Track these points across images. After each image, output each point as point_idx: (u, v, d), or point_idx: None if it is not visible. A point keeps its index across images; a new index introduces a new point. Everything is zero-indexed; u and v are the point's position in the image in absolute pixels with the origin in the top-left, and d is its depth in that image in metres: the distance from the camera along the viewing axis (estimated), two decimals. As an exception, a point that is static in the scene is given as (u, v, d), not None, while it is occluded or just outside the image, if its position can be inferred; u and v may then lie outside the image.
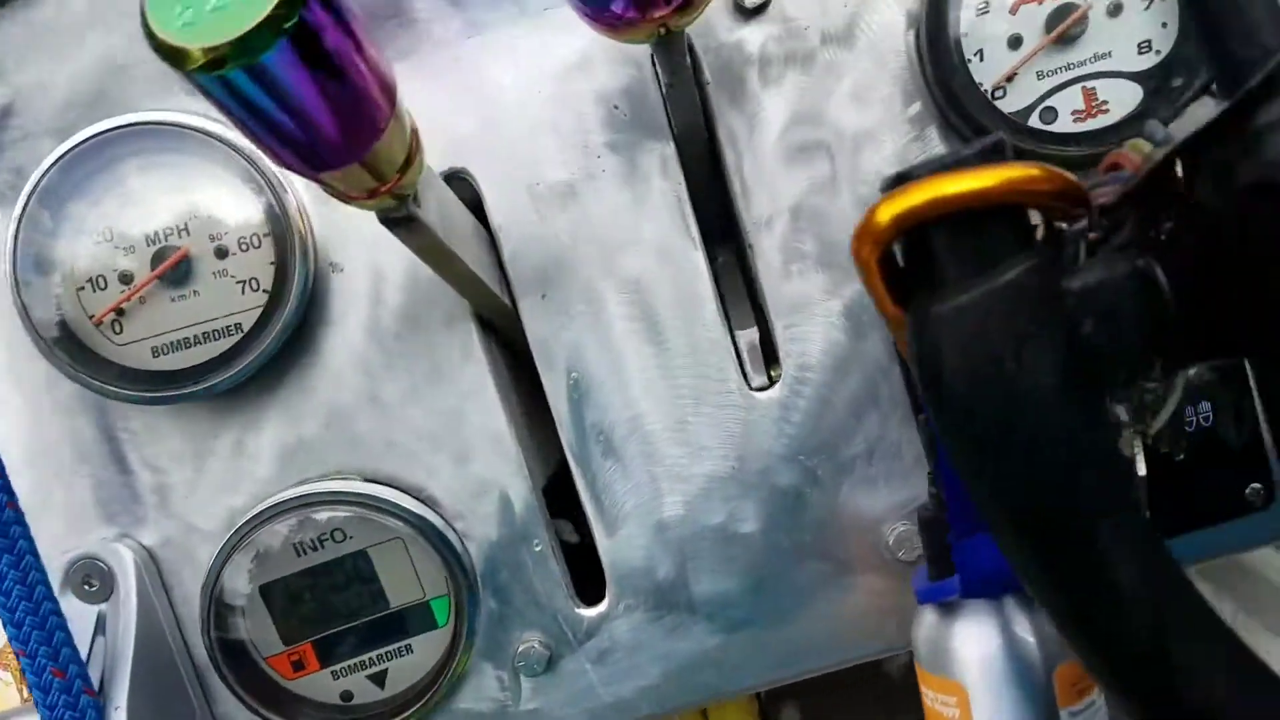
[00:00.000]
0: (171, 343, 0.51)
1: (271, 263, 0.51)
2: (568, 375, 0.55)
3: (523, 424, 0.57)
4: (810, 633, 0.57)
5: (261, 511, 0.54)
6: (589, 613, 0.57)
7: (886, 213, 0.31)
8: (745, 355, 0.55)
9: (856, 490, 0.56)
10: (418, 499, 0.55)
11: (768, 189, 0.54)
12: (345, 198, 0.38)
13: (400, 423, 0.55)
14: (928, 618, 0.48)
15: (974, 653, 0.46)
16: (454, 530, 0.56)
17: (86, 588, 0.54)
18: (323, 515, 0.54)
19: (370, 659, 0.56)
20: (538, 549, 0.56)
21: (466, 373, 0.55)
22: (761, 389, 0.55)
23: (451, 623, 0.56)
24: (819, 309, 0.55)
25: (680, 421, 0.56)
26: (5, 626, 0.48)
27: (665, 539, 0.56)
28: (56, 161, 0.48)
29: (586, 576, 0.58)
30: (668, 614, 0.57)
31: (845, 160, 0.53)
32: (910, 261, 0.33)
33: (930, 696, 0.48)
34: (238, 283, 0.51)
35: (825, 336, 0.55)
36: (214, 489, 0.55)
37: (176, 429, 0.55)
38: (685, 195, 0.54)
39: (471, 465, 0.56)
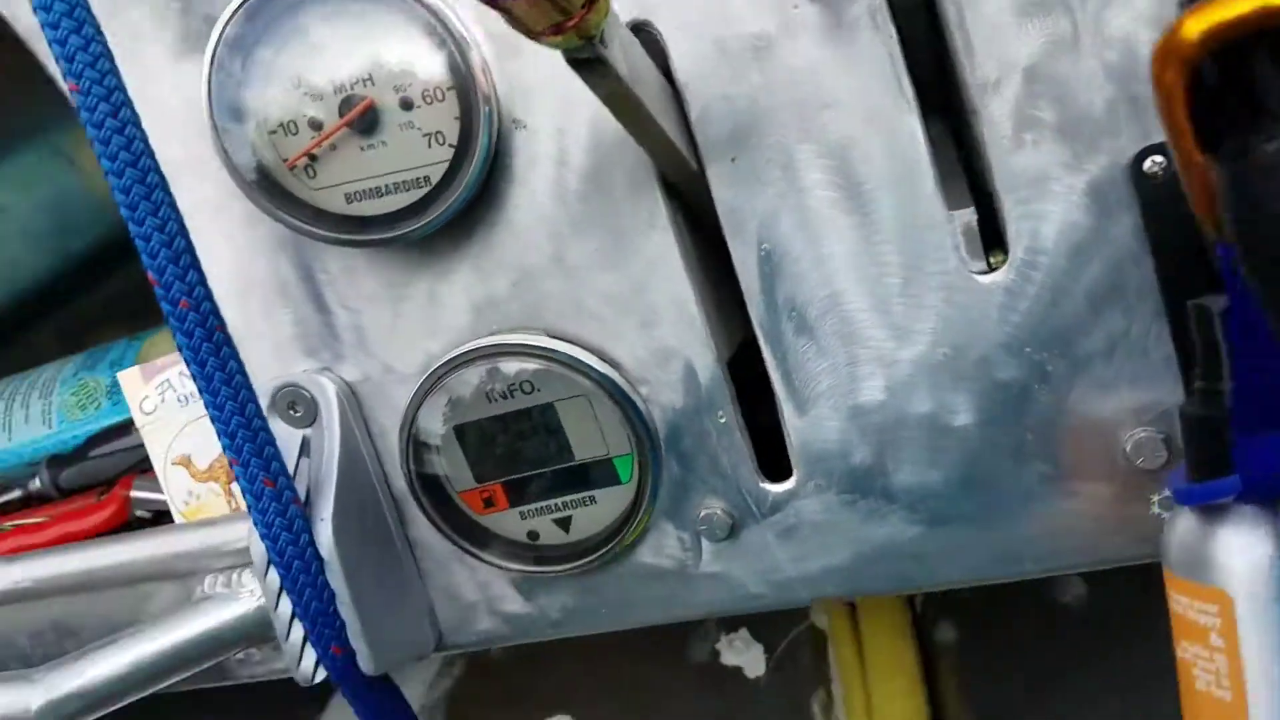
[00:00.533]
0: (363, 190, 0.51)
1: (456, 117, 0.48)
2: (759, 246, 0.51)
3: (709, 295, 0.54)
4: (1024, 535, 0.52)
5: (455, 357, 0.54)
6: (774, 488, 0.55)
7: (1197, 26, 0.26)
8: (962, 237, 0.48)
9: (1091, 391, 0.49)
10: (603, 360, 0.54)
11: (995, 46, 0.45)
12: (530, 33, 0.35)
13: (586, 286, 0.53)
14: (1186, 521, 0.44)
15: (1245, 560, 0.42)
16: (638, 393, 0.54)
17: (291, 412, 0.57)
18: (512, 367, 0.54)
19: (556, 504, 0.57)
20: (722, 420, 0.54)
21: (652, 240, 0.51)
22: (982, 274, 0.49)
23: (634, 480, 0.55)
24: (1057, 185, 0.46)
25: (884, 302, 0.50)
26: (220, 438, 0.52)
27: (863, 424, 0.52)
28: (240, 8, 0.47)
29: (770, 457, 0.56)
30: (861, 499, 0.54)
31: (1088, 16, 0.43)
32: (1224, 90, 0.28)
33: (1182, 604, 0.44)
34: (424, 135, 0.49)
35: (1063, 217, 0.47)
36: (410, 333, 0.56)
37: (372, 273, 0.55)
38: (897, 52, 0.46)
39: (656, 332, 0.53)
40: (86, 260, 0.91)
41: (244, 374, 0.52)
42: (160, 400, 0.65)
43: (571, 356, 0.53)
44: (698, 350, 0.53)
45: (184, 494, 0.66)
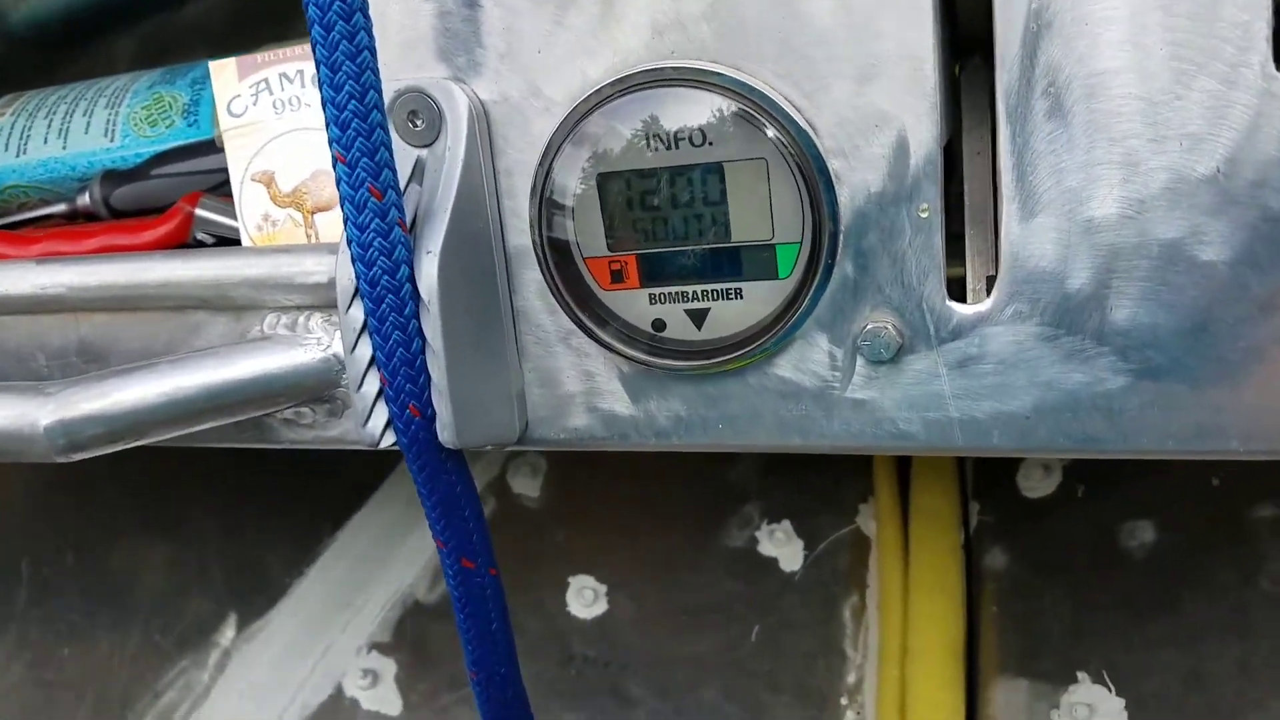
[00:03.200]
0: None
1: None
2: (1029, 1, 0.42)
3: (948, 54, 0.45)
4: (1243, 406, 0.44)
5: (620, 79, 0.46)
6: (964, 309, 0.46)
7: None
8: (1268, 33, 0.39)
9: None
10: (799, 115, 0.45)
11: None
12: None
13: (798, 18, 0.44)
14: None
15: None
16: (830, 166, 0.45)
17: (411, 124, 0.48)
18: (684, 106, 0.45)
19: (694, 292, 0.48)
20: (923, 214, 0.45)
21: None
22: (1294, 76, 0.40)
23: (795, 277, 0.47)
24: None
25: (1163, 92, 0.41)
26: (329, 126, 0.43)
27: (1092, 241, 0.44)
28: None
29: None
30: (1067, 335, 0.45)
31: None
32: None
33: None
34: None
35: None
36: (570, 48, 0.47)
37: (543, -36, 0.46)
38: None
39: (872, 90, 0.44)
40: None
41: (373, 53, 0.43)
42: (253, 102, 0.56)
43: (767, 99, 0.44)
44: (919, 121, 0.44)
45: (258, 218, 0.58)
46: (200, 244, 0.62)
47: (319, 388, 0.55)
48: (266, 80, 0.56)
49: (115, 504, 1.13)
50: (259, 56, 0.55)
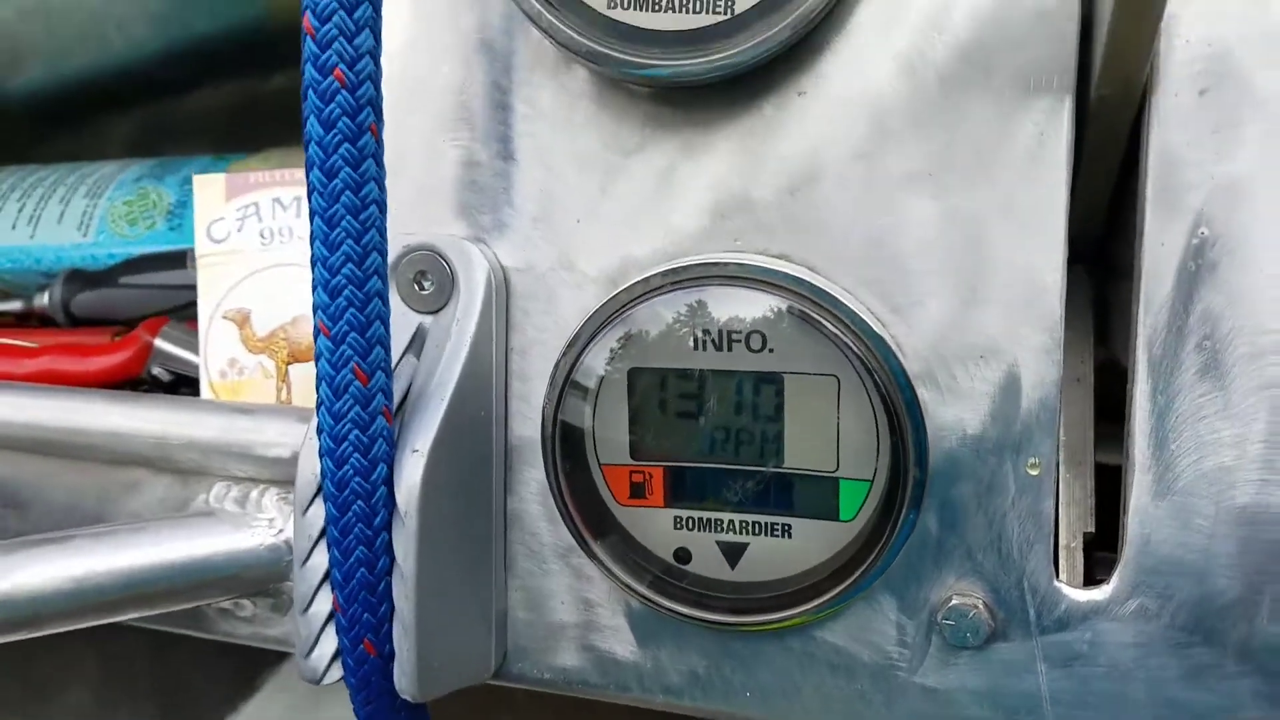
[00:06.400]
0: (636, -8, 0.34)
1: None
2: (1194, 229, 0.34)
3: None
4: None
5: (671, 271, 0.37)
6: (1076, 595, 0.37)
7: None
8: None
9: None
10: (883, 330, 0.37)
11: None
12: None
13: (897, 213, 0.36)
14: None
15: None
16: (918, 396, 0.37)
17: (417, 287, 0.40)
18: (745, 304, 0.37)
19: (732, 522, 0.39)
20: (1033, 471, 0.36)
21: (1030, 172, 0.34)
22: None
23: (862, 522, 0.38)
24: None
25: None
26: (316, 292, 0.35)
27: (1245, 534, 0.35)
28: None
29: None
30: (1202, 646, 0.36)
31: None
32: None
33: None
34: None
35: None
36: (614, 222, 0.39)
37: (595, 123, 0.38)
38: None
39: (981, 312, 0.36)
40: (204, 50, 0.73)
41: (382, 209, 0.35)
42: (237, 227, 0.48)
43: (848, 310, 0.36)
44: (1036, 359, 0.36)
45: (224, 362, 0.49)
46: (155, 381, 0.53)
47: (264, 580, 0.45)
48: (257, 205, 0.48)
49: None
50: (252, 176, 0.48)
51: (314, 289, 0.36)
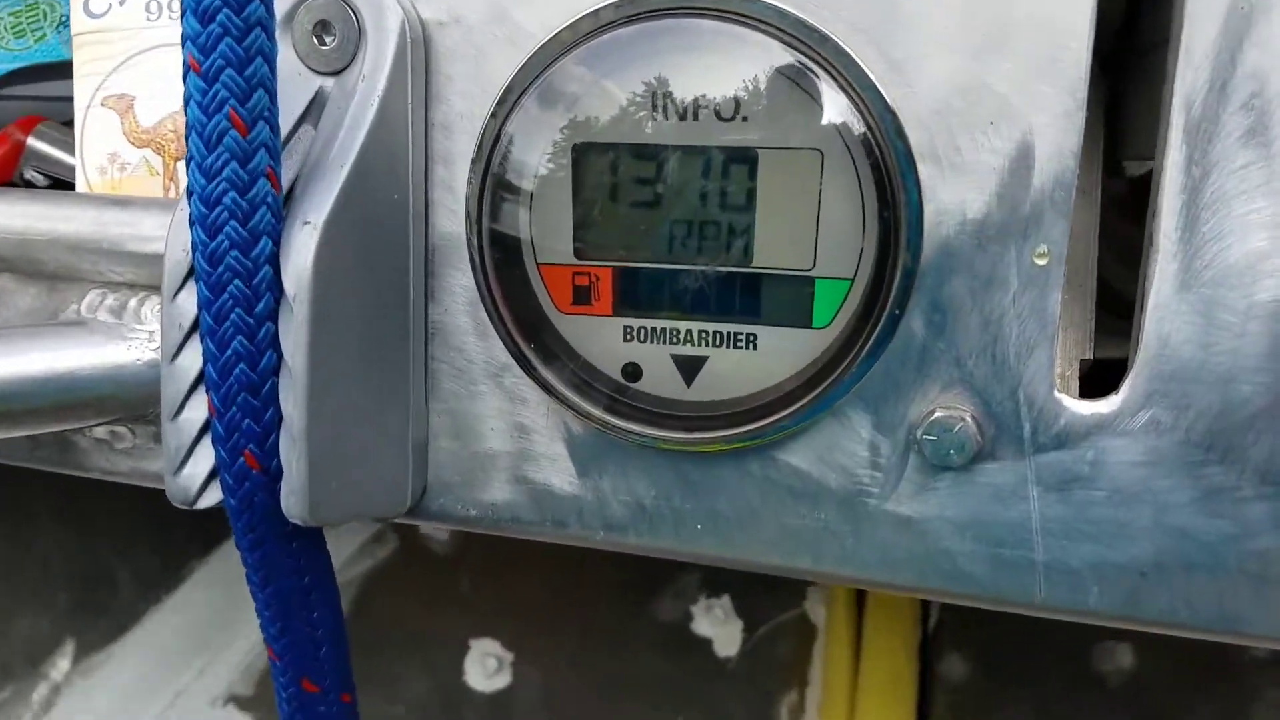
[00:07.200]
0: None
1: None
2: None
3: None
4: None
5: (622, 3, 0.31)
6: (1079, 407, 0.32)
7: None
8: None
9: None
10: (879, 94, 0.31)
11: None
12: None
13: None
14: None
15: None
16: (914, 173, 0.31)
17: (317, 41, 0.33)
18: (714, 58, 0.31)
19: (688, 332, 0.34)
20: (1040, 261, 0.31)
21: None
22: None
23: (838, 328, 0.33)
24: None
25: None
26: (185, 15, 0.28)
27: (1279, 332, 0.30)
28: None
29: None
30: (1218, 465, 0.31)
31: None
32: None
33: None
34: None
35: None
36: (556, -42, 0.32)
37: None
38: None
39: (991, 68, 0.30)
40: None
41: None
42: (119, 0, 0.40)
43: (843, 55, 0.30)
44: (1054, 123, 0.30)
45: (103, 156, 0.42)
46: (30, 186, 0.46)
47: (143, 402, 0.39)
48: (135, -31, 0.40)
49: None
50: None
51: (183, 14, 0.29)
